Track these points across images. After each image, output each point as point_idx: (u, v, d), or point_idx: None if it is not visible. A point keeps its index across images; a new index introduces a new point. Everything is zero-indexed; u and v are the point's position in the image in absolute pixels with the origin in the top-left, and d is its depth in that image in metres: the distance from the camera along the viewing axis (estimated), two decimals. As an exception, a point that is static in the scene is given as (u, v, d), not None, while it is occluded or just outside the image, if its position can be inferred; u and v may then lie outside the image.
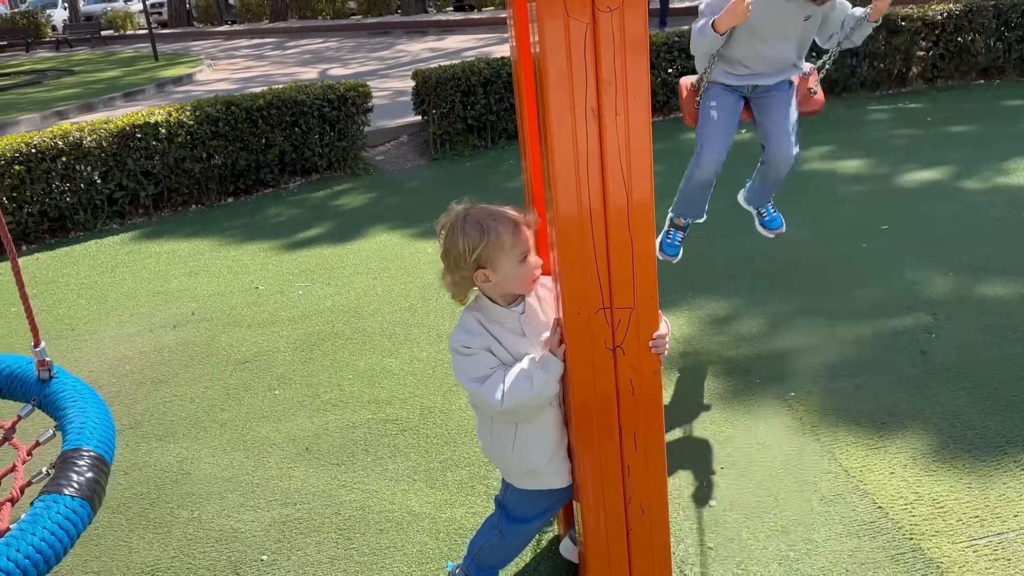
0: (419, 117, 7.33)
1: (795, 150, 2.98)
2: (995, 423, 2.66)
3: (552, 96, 1.59)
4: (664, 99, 7.45)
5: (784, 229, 3.39)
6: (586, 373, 1.80)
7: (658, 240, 3.13)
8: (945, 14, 7.24)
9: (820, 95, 3.09)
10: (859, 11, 2.87)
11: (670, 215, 3.32)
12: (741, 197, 3.45)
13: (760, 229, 3.45)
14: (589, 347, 1.78)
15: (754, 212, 3.43)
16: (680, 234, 3.35)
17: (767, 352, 3.29)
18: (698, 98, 3.02)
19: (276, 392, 3.40)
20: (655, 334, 1.80)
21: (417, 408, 3.15)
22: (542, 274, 1.93)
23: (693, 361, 3.28)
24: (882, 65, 7.35)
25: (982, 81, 7.40)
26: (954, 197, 4.80)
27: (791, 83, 3.02)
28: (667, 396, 3.01)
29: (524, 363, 1.79)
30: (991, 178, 4.99)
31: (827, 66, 3.07)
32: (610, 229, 1.70)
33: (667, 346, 1.83)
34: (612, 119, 1.62)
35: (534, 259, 1.81)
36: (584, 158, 1.64)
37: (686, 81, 3.13)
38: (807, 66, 3.09)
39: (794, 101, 3.00)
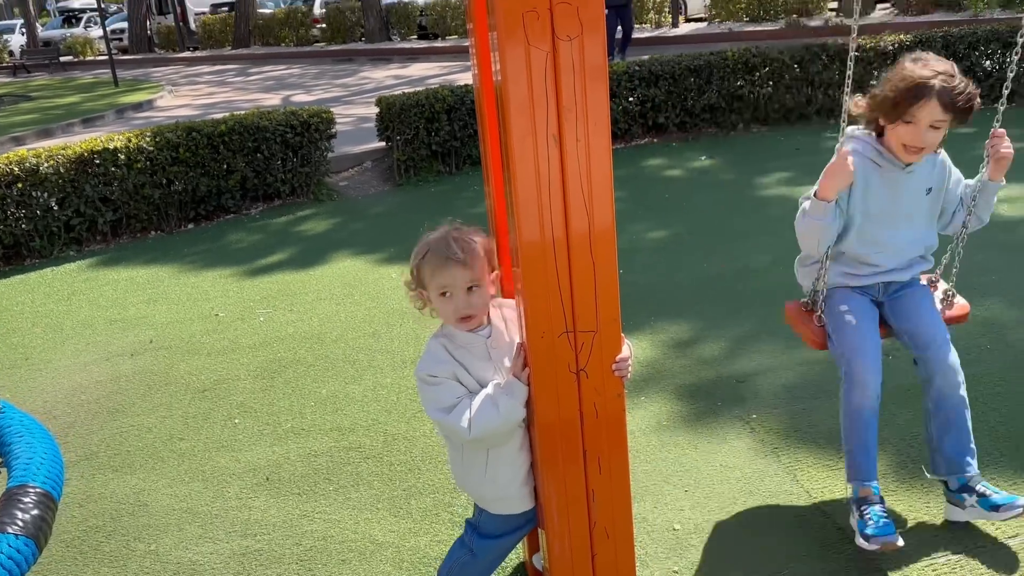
0: (383, 143, 7.35)
1: (957, 363, 2.25)
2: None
3: (514, 122, 1.61)
4: (625, 127, 7.56)
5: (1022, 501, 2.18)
6: (550, 397, 1.80)
7: (855, 526, 2.18)
8: (896, 45, 7.49)
9: (961, 299, 2.48)
10: (974, 179, 2.35)
11: (849, 489, 2.27)
12: (929, 470, 2.38)
13: (969, 513, 2.26)
14: (553, 371, 1.79)
15: (956, 487, 2.27)
16: (876, 508, 2.17)
17: (729, 374, 3.33)
18: (819, 313, 2.40)
19: (236, 421, 3.35)
20: (618, 357, 1.82)
21: (381, 435, 3.12)
22: (505, 297, 1.94)
23: (657, 384, 3.31)
24: (837, 95, 7.56)
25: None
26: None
27: (923, 284, 2.46)
28: (631, 419, 3.02)
29: (489, 389, 1.79)
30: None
31: (955, 268, 2.44)
32: (573, 253, 1.72)
33: (630, 369, 1.85)
34: (573, 145, 1.64)
35: (463, 300, 1.77)
36: (546, 183, 1.66)
37: (792, 305, 2.53)
38: (930, 275, 2.53)
39: (936, 302, 2.41)
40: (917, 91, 2.13)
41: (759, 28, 14.08)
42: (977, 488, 2.22)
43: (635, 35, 15.42)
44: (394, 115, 7.00)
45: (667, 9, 15.85)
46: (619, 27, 12.49)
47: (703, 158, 7.06)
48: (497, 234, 2.04)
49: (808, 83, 7.56)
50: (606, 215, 1.70)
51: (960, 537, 2.28)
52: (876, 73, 7.57)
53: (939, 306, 2.41)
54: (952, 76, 2.15)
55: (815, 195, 2.20)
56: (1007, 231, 4.61)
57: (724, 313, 3.94)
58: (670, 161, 7.09)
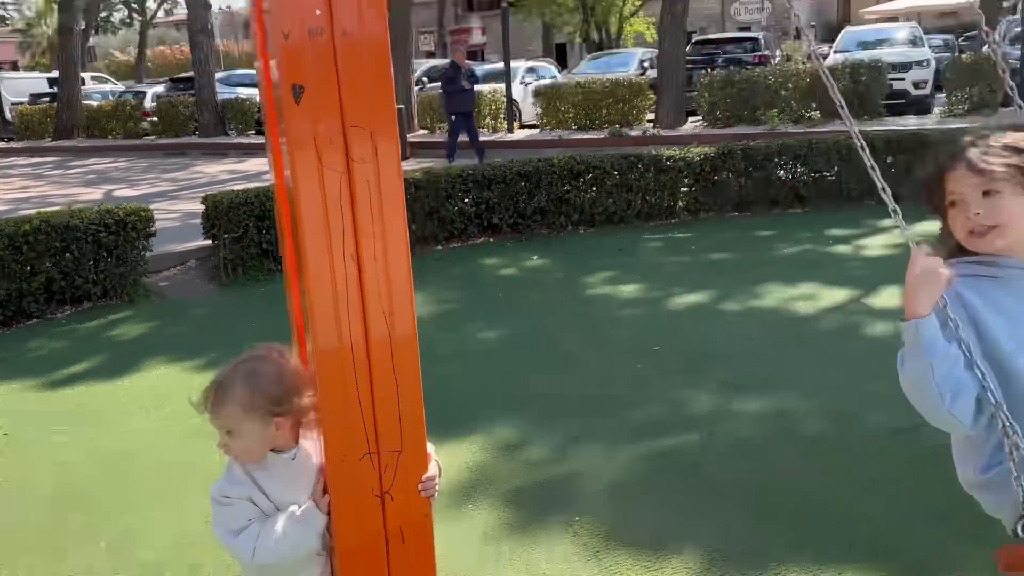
0: (209, 241, 7.06)
1: None
2: (760, 535, 2.85)
3: (309, 242, 1.59)
4: (462, 227, 7.73)
5: None
6: (352, 522, 1.72)
7: None
8: (703, 156, 8.21)
9: None
10: None
11: None
12: None
13: None
14: (355, 495, 1.72)
15: None
16: None
17: (555, 477, 3.35)
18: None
19: (19, 560, 2.96)
20: (424, 476, 1.78)
21: (184, 568, 2.85)
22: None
23: (485, 491, 3.27)
24: (653, 199, 8.14)
25: (736, 213, 8.37)
26: (715, 318, 5.29)
27: None
28: (455, 531, 2.95)
29: (283, 516, 1.69)
30: (745, 301, 5.56)
31: None
32: (374, 370, 1.69)
33: (437, 488, 1.81)
34: (371, 263, 1.63)
35: (224, 440, 1.70)
36: (344, 301, 1.63)
37: (1009, 550, 1.52)
38: None
39: None
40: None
41: (586, 136, 15.04)
42: None
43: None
44: (221, 213, 6.78)
45: (502, 116, 16.65)
46: (464, 133, 12.96)
47: (535, 257, 7.31)
48: (300, 345, 1.98)
49: (627, 189, 8.09)
50: (407, 331, 1.69)
51: (767, 631, 2.35)
52: (685, 180, 8.27)
53: None
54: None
55: (905, 320, 1.48)
56: (798, 327, 5.03)
57: (553, 412, 4.00)
58: (504, 260, 7.28)
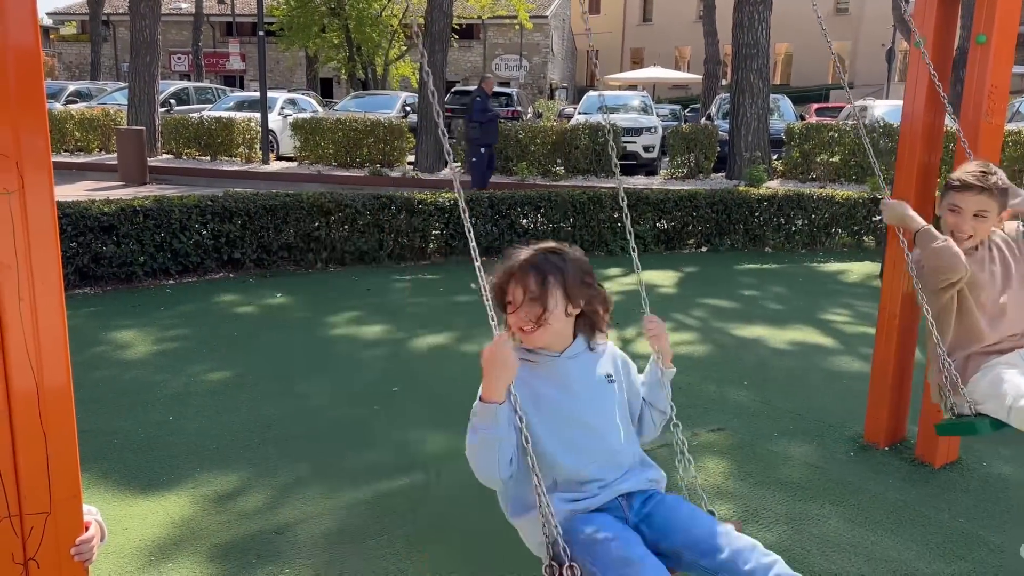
0: None
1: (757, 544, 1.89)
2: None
3: (-69, 277, 1.40)
4: (198, 260, 7.28)
5: None
6: (-14, 596, 1.52)
7: None
8: (452, 201, 8.48)
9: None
10: (650, 375, 2.20)
11: None
12: None
13: None
14: (-11, 564, 1.52)
15: None
16: None
17: (270, 526, 3.21)
18: (568, 563, 1.80)
19: None
20: (78, 539, 1.62)
21: None
22: None
23: (188, 547, 3.04)
24: (405, 240, 8.25)
25: (484, 258, 8.69)
26: (455, 360, 5.43)
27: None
28: (150, 592, 2.72)
29: None
30: (484, 342, 5.76)
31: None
32: (16, 423, 1.52)
33: (94, 551, 1.65)
34: (15, 304, 1.48)
35: None
36: (-23, 346, 1.45)
37: None
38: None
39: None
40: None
41: (346, 173, 14.94)
42: None
43: (224, 168, 15.26)
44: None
45: (258, 145, 16.05)
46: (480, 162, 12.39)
47: (278, 295, 7.06)
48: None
49: (379, 229, 8.12)
50: (60, 378, 1.55)
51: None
52: (436, 223, 8.49)
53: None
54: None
55: (480, 398, 1.85)
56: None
57: (276, 458, 3.85)
58: (244, 297, 6.95)
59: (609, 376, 2.06)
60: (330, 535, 3.16)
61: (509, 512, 2.04)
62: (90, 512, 1.68)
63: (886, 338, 3.97)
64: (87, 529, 1.65)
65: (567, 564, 1.77)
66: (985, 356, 2.75)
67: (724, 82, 25.65)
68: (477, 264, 1.97)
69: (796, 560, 3.07)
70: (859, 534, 3.26)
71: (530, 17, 28.91)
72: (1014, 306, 2.79)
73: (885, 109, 16.42)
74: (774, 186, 11.75)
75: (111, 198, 7.27)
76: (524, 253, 2.01)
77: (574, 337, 2.04)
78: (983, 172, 2.74)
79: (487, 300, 1.95)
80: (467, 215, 2.03)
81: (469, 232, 1.98)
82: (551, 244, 2.06)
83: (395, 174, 14.81)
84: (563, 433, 1.94)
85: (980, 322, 2.77)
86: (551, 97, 35.48)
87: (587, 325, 2.04)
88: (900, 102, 14.58)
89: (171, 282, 7.13)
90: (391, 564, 2.96)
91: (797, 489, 3.64)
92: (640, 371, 2.20)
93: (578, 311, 2.00)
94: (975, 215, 2.75)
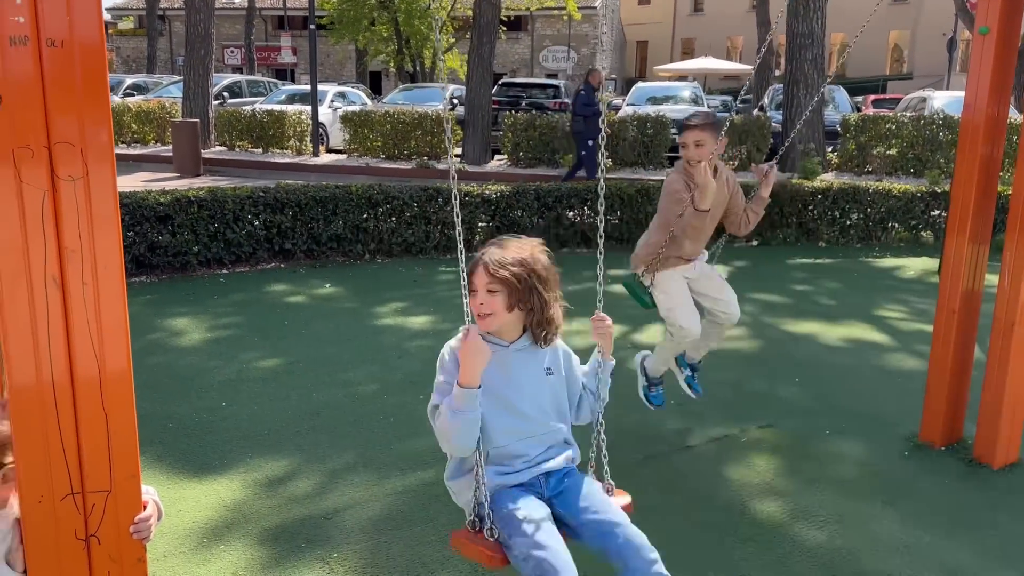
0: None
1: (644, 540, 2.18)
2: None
3: (1, 263, 1.45)
4: (250, 250, 7.42)
5: None
6: (51, 569, 1.58)
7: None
8: (499, 193, 8.50)
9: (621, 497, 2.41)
10: (591, 366, 2.43)
11: None
12: None
13: None
14: (54, 539, 1.58)
15: None
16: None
17: (318, 511, 3.27)
18: (489, 526, 2.15)
19: None
20: (137, 517, 1.67)
21: None
22: None
23: (239, 529, 3.11)
24: (452, 232, 8.29)
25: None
26: (500, 351, 5.45)
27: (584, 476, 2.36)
28: (203, 573, 2.79)
29: None
30: (529, 335, 5.79)
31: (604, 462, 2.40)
32: (79, 405, 1.57)
33: (152, 529, 1.70)
34: (79, 288, 1.53)
35: None
36: (44, 328, 1.51)
37: (459, 534, 2.23)
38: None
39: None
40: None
41: (394, 166, 15.05)
42: None
43: (275, 160, 15.53)
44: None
45: (308, 138, 16.27)
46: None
47: (327, 285, 7.16)
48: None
49: (426, 220, 8.18)
50: (120, 361, 1.59)
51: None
52: (483, 216, 8.51)
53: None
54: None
55: (459, 383, 2.11)
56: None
57: (326, 445, 3.91)
58: (295, 287, 7.07)
59: (548, 369, 2.33)
60: (377, 521, 3.20)
61: (448, 474, 2.35)
62: (148, 492, 1.73)
63: (944, 335, 3.86)
64: (145, 508, 1.70)
65: (488, 526, 2.14)
66: (677, 261, 3.73)
67: (777, 72, 25.16)
68: (461, 265, 2.22)
69: (846, 560, 3.01)
70: (912, 535, 3.18)
71: (579, 8, 28.73)
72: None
73: (945, 100, 15.91)
74: (828, 179, 11.50)
75: (167, 189, 7.47)
76: (495, 249, 2.27)
77: (524, 331, 2.28)
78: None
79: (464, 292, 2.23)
80: (458, 209, 2.35)
81: (458, 225, 2.29)
82: (530, 244, 2.29)
83: (442, 166, 14.87)
84: (500, 415, 2.21)
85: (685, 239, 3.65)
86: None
87: (536, 325, 2.26)
88: (961, 93, 14.14)
89: (224, 271, 7.29)
90: (436, 551, 2.99)
91: (848, 488, 3.57)
92: (586, 363, 2.47)
93: (525, 312, 2.24)
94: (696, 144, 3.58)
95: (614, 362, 2.44)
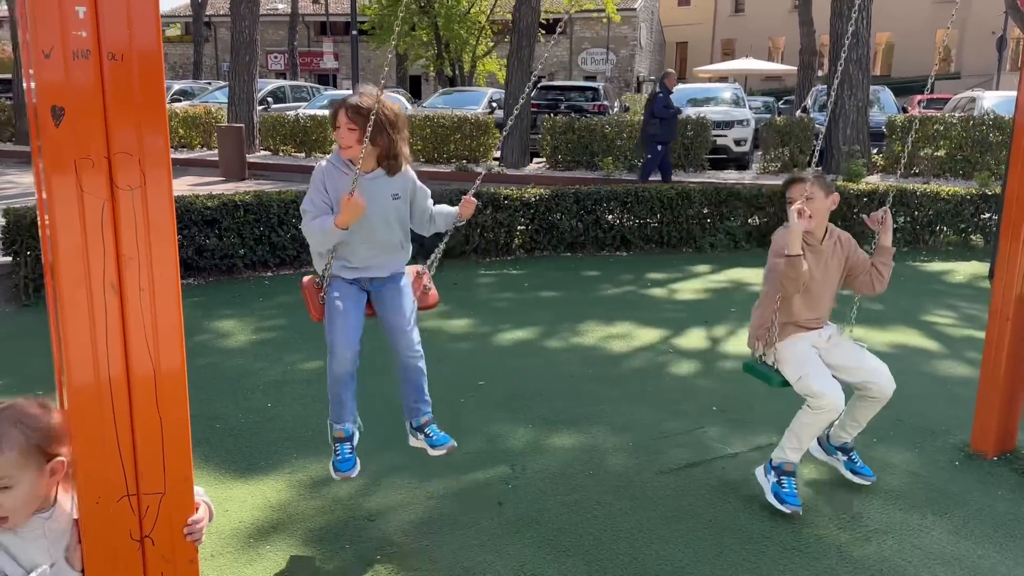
0: (9, 258, 6.46)
1: (416, 342, 3.19)
2: (554, 571, 2.93)
3: (63, 269, 1.50)
4: (294, 253, 7.53)
5: (451, 443, 3.24)
6: (108, 569, 1.62)
7: (331, 465, 3.15)
8: (538, 197, 8.49)
9: (434, 291, 3.42)
10: (447, 209, 3.33)
11: (329, 426, 3.25)
12: (403, 417, 3.37)
13: (416, 443, 3.32)
14: (111, 540, 1.62)
15: (413, 427, 3.32)
16: (347, 446, 3.19)
17: (362, 514, 3.30)
18: (322, 294, 3.13)
19: None
20: (190, 519, 1.70)
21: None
22: None
23: (285, 530, 3.16)
24: (490, 236, 8.31)
25: (568, 254, 8.71)
26: (539, 354, 5.45)
27: (403, 274, 3.25)
28: (247, 574, 2.83)
29: None
30: (568, 338, 5.78)
31: (435, 264, 3.40)
32: (135, 408, 1.61)
33: (203, 531, 1.74)
34: (136, 294, 1.57)
35: (5, 498, 1.50)
36: (103, 333, 1.55)
37: (308, 280, 3.22)
38: (419, 267, 3.38)
39: (411, 294, 3.24)
40: None
41: (434, 169, 15.16)
42: (425, 430, 3.26)
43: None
44: (24, 228, 6.23)
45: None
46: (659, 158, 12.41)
47: (368, 289, 7.23)
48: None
49: (466, 224, 8.19)
50: (174, 365, 1.63)
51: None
52: (522, 219, 8.51)
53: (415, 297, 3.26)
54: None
55: (336, 224, 2.85)
56: (614, 364, 5.28)
57: (367, 446, 3.92)
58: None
59: (396, 195, 3.07)
60: (419, 524, 3.22)
61: (314, 252, 3.13)
62: (199, 493, 1.76)
63: (997, 342, 3.76)
64: (197, 510, 1.74)
65: (322, 295, 3.10)
66: (796, 329, 3.43)
67: (820, 73, 24.76)
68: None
69: (894, 572, 2.95)
70: (964, 547, 3.10)
71: (618, 10, 28.60)
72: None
73: (995, 101, 15.49)
74: (874, 181, 11.28)
75: (213, 193, 7.61)
76: (358, 94, 2.94)
77: (378, 165, 3.00)
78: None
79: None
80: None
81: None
82: (386, 99, 2.92)
83: (480, 169, 14.93)
84: (353, 227, 2.90)
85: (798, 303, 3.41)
86: (638, 90, 35.09)
87: (386, 158, 2.98)
88: (1012, 93, 13.73)
89: (269, 274, 7.41)
90: (478, 555, 3.00)
91: (898, 498, 3.49)
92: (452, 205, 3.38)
93: (378, 149, 2.93)
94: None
95: (464, 223, 3.35)
